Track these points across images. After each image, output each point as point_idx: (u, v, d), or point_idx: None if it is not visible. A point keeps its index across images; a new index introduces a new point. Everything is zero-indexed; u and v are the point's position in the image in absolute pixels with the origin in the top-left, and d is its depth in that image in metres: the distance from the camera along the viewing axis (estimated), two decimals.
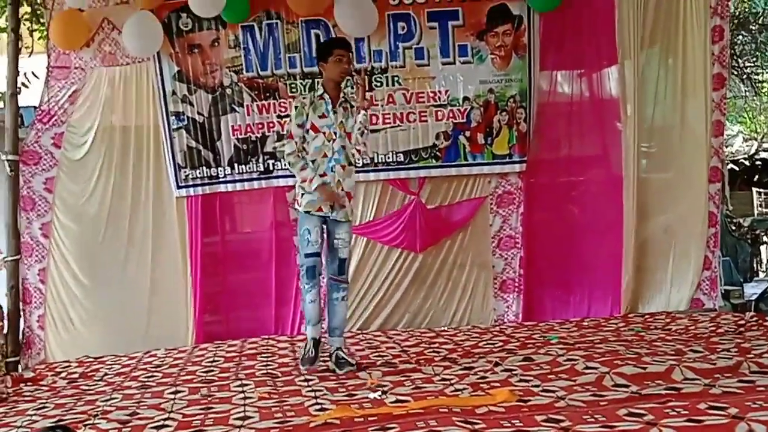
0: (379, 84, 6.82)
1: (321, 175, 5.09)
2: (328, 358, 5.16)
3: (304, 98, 5.29)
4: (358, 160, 5.58)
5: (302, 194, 5.20)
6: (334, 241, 5.19)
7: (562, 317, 6.65)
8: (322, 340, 5.26)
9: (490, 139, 6.89)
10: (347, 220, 5.22)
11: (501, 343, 5.68)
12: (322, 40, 6.56)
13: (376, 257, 6.83)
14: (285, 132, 5.61)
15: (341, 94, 5.26)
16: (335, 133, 5.14)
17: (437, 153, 6.86)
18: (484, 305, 6.94)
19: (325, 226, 5.21)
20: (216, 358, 5.85)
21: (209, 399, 4.48)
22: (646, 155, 6.92)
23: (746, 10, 12.97)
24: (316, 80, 6.54)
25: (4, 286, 6.67)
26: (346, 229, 5.22)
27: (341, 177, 5.16)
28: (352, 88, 5.57)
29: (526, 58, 6.85)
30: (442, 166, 6.85)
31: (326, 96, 5.20)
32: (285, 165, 6.70)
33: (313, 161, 5.13)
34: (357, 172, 5.48)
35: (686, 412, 3.44)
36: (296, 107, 5.21)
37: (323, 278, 5.35)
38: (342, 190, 5.16)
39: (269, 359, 5.67)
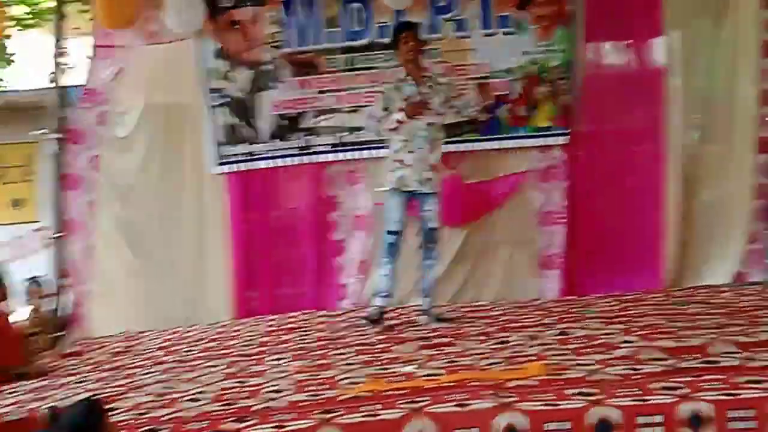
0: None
1: (410, 151, 5.41)
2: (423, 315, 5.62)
3: (390, 83, 5.58)
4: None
5: (393, 170, 5.50)
6: (423, 213, 5.49)
7: (604, 292, 6.54)
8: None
9: (532, 112, 6.79)
10: (433, 192, 5.49)
11: (539, 317, 5.63)
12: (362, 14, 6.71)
13: (416, 232, 6.79)
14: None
15: (422, 73, 5.53)
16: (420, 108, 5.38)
17: (478, 126, 6.78)
18: (526, 282, 6.86)
19: (412, 201, 5.51)
20: (255, 333, 5.90)
21: (246, 371, 4.52)
22: (692, 126, 6.74)
23: None
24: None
25: (51, 262, 6.81)
26: (435, 201, 5.51)
27: (428, 153, 5.44)
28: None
29: (570, 28, 6.72)
30: (482, 139, 6.78)
31: (408, 78, 5.49)
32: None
33: (405, 141, 5.42)
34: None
35: (723, 385, 3.36)
36: (383, 92, 5.57)
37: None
38: (428, 164, 5.44)
39: (306, 334, 5.70)
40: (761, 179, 6.66)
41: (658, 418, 3.14)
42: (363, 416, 3.28)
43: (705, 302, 5.80)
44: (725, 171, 6.69)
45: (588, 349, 4.39)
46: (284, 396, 3.82)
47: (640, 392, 3.35)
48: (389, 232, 5.50)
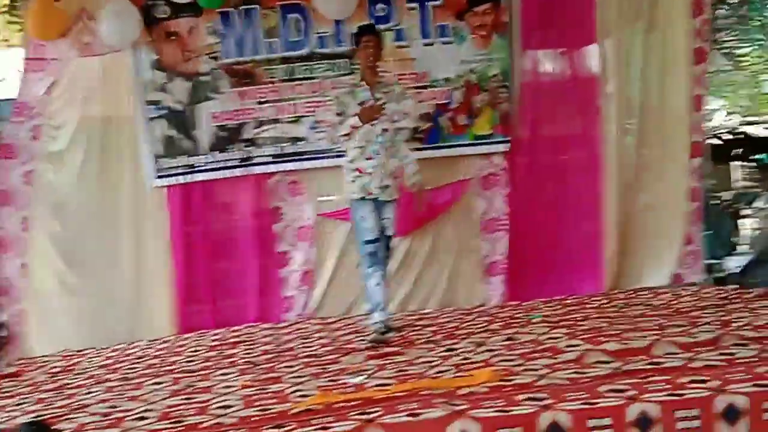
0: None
1: (367, 158, 5.38)
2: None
3: (343, 87, 5.57)
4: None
5: (353, 180, 5.45)
6: (382, 220, 5.47)
7: (547, 296, 6.63)
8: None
9: (472, 120, 6.85)
10: (393, 199, 5.50)
11: (484, 324, 5.68)
12: (300, 24, 6.70)
13: None
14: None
15: (377, 78, 5.52)
16: (376, 119, 5.34)
17: (419, 135, 6.82)
18: (471, 289, 6.91)
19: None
20: (198, 348, 5.83)
21: (191, 389, 4.46)
22: (628, 132, 6.88)
23: None
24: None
25: None
26: (391, 208, 5.51)
27: (386, 159, 5.43)
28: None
29: (507, 37, 6.80)
30: (424, 148, 6.80)
31: (363, 83, 5.47)
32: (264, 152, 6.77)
33: (360, 147, 5.38)
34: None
35: (668, 386, 3.44)
36: (336, 97, 5.49)
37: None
38: (386, 171, 5.43)
39: (252, 347, 5.66)
40: (694, 183, 6.83)
41: (607, 421, 3.20)
42: (315, 429, 3.28)
43: (645, 304, 5.93)
44: (661, 175, 6.84)
45: (535, 354, 4.46)
46: (234, 412, 3.78)
47: (589, 396, 3.41)
48: (366, 242, 5.42)
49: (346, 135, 5.39)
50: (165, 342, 6.31)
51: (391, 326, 5.46)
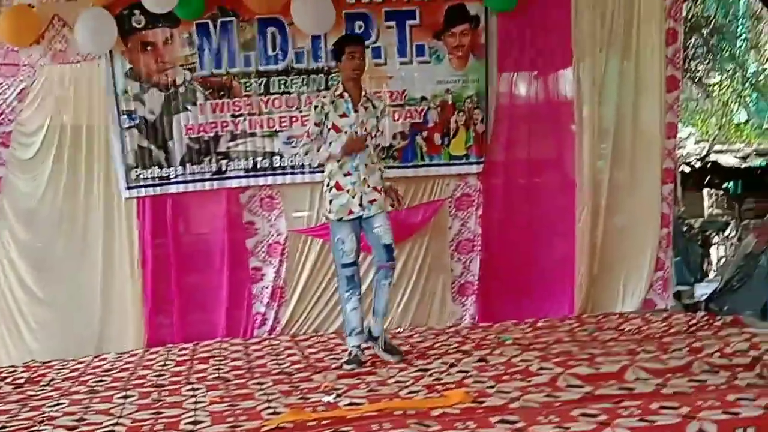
0: (336, 83, 6.72)
1: (345, 175, 5.15)
2: (372, 344, 5.27)
3: (324, 97, 5.34)
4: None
5: (331, 200, 5.22)
6: (375, 230, 5.21)
7: (518, 318, 6.65)
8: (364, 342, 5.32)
9: (447, 140, 6.87)
10: (381, 211, 5.24)
11: (456, 345, 5.67)
12: (277, 39, 6.68)
13: (332, 259, 6.70)
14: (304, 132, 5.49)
15: (362, 93, 5.29)
16: (356, 133, 5.16)
17: (394, 153, 6.82)
18: (443, 309, 6.91)
19: (361, 226, 5.24)
20: (167, 362, 5.76)
21: (160, 403, 4.40)
22: (600, 156, 6.93)
23: (698, 13, 13.18)
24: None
25: None
26: (383, 218, 5.23)
27: (366, 175, 5.18)
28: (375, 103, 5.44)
29: (484, 58, 6.85)
30: (399, 167, 6.80)
31: (346, 95, 5.22)
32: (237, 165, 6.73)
33: (338, 161, 5.16)
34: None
35: (639, 411, 3.46)
36: (315, 106, 5.25)
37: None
38: (369, 186, 5.18)
39: (222, 362, 5.60)
40: (665, 209, 6.90)
41: None
42: None
43: (616, 329, 5.96)
44: (632, 200, 6.90)
45: (507, 376, 4.46)
46: (203, 428, 3.75)
47: (561, 419, 3.41)
48: (344, 265, 5.21)
49: (328, 158, 5.21)
50: (133, 355, 6.22)
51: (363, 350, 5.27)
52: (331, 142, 5.19)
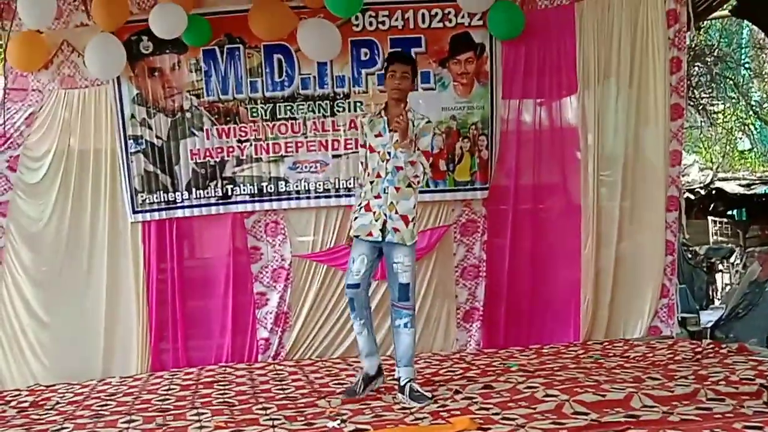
0: (341, 109, 6.80)
1: (375, 197, 4.93)
2: (399, 391, 4.86)
3: (364, 116, 5.26)
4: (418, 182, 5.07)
5: (355, 216, 5.07)
6: (393, 265, 4.92)
7: (523, 345, 6.64)
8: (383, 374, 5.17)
9: (452, 166, 6.89)
10: (404, 243, 4.90)
11: (461, 371, 5.66)
12: (283, 65, 6.74)
13: (337, 284, 6.68)
14: None
15: (402, 113, 4.93)
16: (389, 153, 4.92)
17: None
18: (447, 335, 6.89)
19: (381, 252, 4.98)
20: (172, 387, 5.75)
21: (164, 428, 4.39)
22: (605, 184, 6.93)
23: (702, 42, 13.26)
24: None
25: None
26: (405, 253, 4.90)
27: (395, 199, 4.90)
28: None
29: (489, 85, 6.87)
30: None
31: (384, 113, 5.04)
32: (243, 190, 6.76)
33: (371, 182, 4.98)
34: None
35: None
36: (361, 126, 5.17)
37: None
38: (396, 213, 4.90)
39: (226, 387, 5.59)
40: (670, 236, 6.89)
41: None
42: None
43: (621, 356, 5.95)
44: (637, 228, 6.89)
45: (512, 404, 4.45)
46: None
47: None
48: (347, 285, 5.01)
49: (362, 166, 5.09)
50: (138, 379, 6.22)
51: (372, 374, 5.05)
52: (371, 181, 4.99)
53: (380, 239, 4.90)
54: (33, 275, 6.62)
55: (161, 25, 6.32)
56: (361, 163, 5.15)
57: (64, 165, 6.70)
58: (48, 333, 6.58)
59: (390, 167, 4.92)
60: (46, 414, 5.11)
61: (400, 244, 4.90)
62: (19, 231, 6.63)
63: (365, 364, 5.07)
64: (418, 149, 4.92)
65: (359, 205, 5.07)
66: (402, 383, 4.84)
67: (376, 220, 4.92)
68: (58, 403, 5.47)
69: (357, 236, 4.98)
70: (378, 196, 4.94)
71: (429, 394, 4.79)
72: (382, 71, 5.20)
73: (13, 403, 5.55)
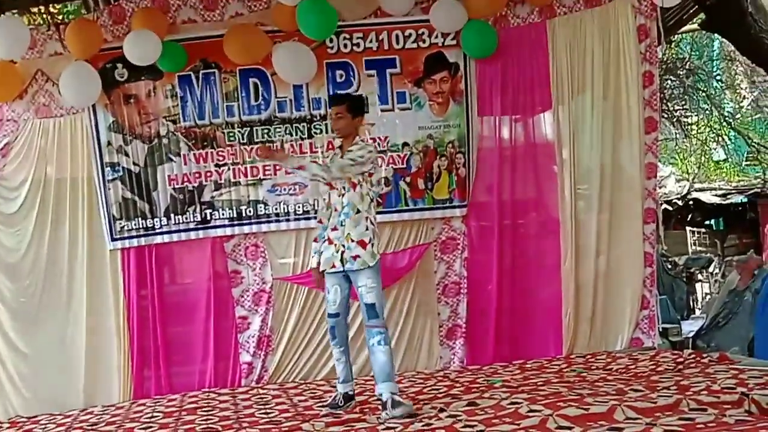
0: (318, 131, 6.83)
1: (333, 229, 5.17)
2: (381, 409, 4.86)
3: (330, 158, 5.34)
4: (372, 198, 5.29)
5: (321, 251, 5.27)
6: (358, 288, 5.11)
7: (506, 360, 6.65)
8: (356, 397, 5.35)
9: (431, 184, 6.92)
10: (366, 266, 5.08)
11: (445, 389, 5.66)
12: (259, 89, 6.76)
13: (319, 306, 6.64)
14: None
15: (347, 147, 5.22)
16: (344, 188, 5.16)
17: (378, 199, 6.83)
18: (431, 353, 6.89)
19: (348, 280, 5.18)
20: (155, 414, 5.71)
21: None
22: (582, 198, 6.97)
23: (674, 55, 13.40)
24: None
25: None
26: (368, 275, 5.07)
27: (350, 229, 5.10)
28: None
29: (464, 104, 6.92)
30: (383, 212, 6.82)
31: (339, 151, 5.28)
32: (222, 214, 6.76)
33: (329, 216, 5.24)
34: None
35: None
36: (326, 165, 5.26)
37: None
38: (352, 241, 5.08)
39: (210, 413, 5.55)
40: (648, 248, 6.94)
41: None
42: None
43: (603, 368, 5.97)
44: (615, 240, 6.91)
45: (496, 420, 4.44)
46: None
47: None
48: (328, 315, 5.29)
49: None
50: (120, 407, 6.18)
51: (350, 394, 5.31)
52: (329, 217, 5.26)
53: (342, 269, 5.12)
54: (11, 305, 6.58)
55: (136, 52, 6.33)
56: (324, 199, 5.39)
57: (41, 194, 6.67)
58: (28, 363, 6.51)
59: (345, 200, 5.15)
60: None
61: (361, 269, 5.08)
62: None
63: (340, 388, 5.31)
64: (370, 175, 5.25)
65: (322, 238, 5.29)
66: (384, 399, 4.86)
67: (337, 252, 5.13)
68: None
69: (324, 271, 5.22)
70: (335, 228, 5.17)
71: (409, 402, 4.95)
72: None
73: None
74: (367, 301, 5.07)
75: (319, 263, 5.26)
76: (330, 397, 5.45)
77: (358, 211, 5.15)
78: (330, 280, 5.21)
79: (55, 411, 6.19)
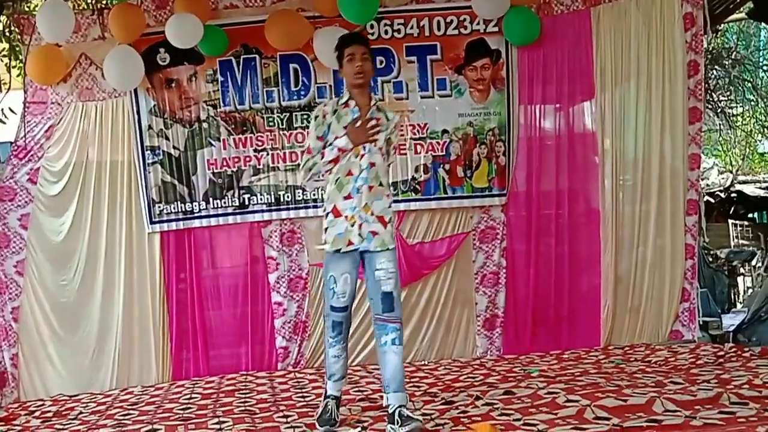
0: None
1: (345, 197, 4.31)
2: (388, 422, 4.20)
3: (324, 105, 4.51)
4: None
5: (327, 225, 4.40)
6: (375, 272, 4.29)
7: (544, 350, 6.61)
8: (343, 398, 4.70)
9: (470, 172, 6.88)
10: (386, 248, 4.33)
11: (482, 377, 5.64)
12: (299, 74, 6.74)
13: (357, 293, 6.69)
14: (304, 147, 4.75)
15: (371, 102, 4.49)
16: (364, 147, 4.34)
17: (416, 186, 6.83)
18: (468, 342, 6.88)
19: (361, 263, 4.39)
20: (193, 395, 5.78)
21: None
22: (623, 188, 6.90)
23: (720, 45, 13.18)
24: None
25: None
26: (387, 258, 4.30)
27: (369, 200, 4.31)
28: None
29: (505, 91, 6.87)
30: (421, 200, 6.83)
31: (352, 103, 4.44)
32: (260, 199, 6.77)
33: (336, 180, 4.36)
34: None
35: None
36: (315, 117, 4.45)
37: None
38: (372, 215, 4.32)
39: (247, 396, 5.60)
40: (690, 240, 6.85)
41: None
42: None
43: (642, 360, 5.91)
44: (657, 232, 6.82)
45: (533, 409, 4.42)
46: None
47: None
48: (333, 309, 4.35)
49: (332, 161, 4.34)
50: (159, 388, 6.26)
51: (339, 397, 4.53)
52: (336, 180, 4.39)
53: (359, 247, 4.32)
54: (53, 287, 6.66)
55: (178, 34, 6.37)
56: (313, 156, 4.42)
57: (82, 177, 6.74)
58: (69, 344, 6.61)
59: (364, 163, 4.34)
60: (69, 424, 5.15)
61: (380, 251, 4.32)
62: (39, 243, 6.66)
63: (331, 388, 4.48)
64: (393, 147, 4.62)
65: (325, 211, 4.44)
66: (391, 410, 4.18)
67: (352, 225, 4.32)
68: (81, 413, 5.51)
69: (338, 250, 4.34)
70: (348, 197, 4.33)
71: (419, 417, 4.23)
72: (337, 58, 4.52)
73: (36, 414, 5.60)
74: (385, 288, 4.28)
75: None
76: (321, 402, 4.54)
77: (381, 185, 4.41)
78: (340, 266, 4.32)
79: (95, 390, 6.27)
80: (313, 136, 4.45)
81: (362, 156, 4.35)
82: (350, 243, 4.30)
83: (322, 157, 4.35)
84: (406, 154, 6.81)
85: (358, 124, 4.32)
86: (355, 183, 4.32)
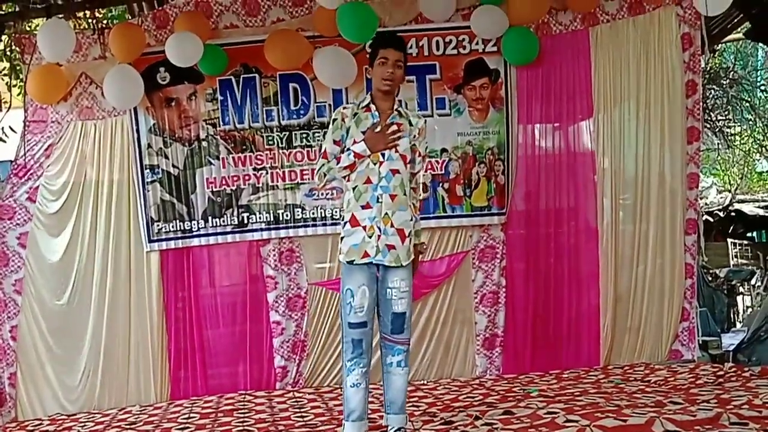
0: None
1: (363, 207, 4.12)
2: None
3: (344, 108, 4.32)
4: (417, 195, 4.52)
5: (344, 235, 4.20)
6: (387, 290, 4.13)
7: (543, 369, 6.60)
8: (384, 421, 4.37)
9: (469, 191, 6.88)
10: (400, 265, 4.14)
11: (481, 396, 5.62)
12: (299, 94, 6.76)
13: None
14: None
15: (393, 106, 4.31)
16: (383, 154, 4.16)
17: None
18: (467, 361, 6.86)
19: (377, 277, 4.18)
20: (192, 415, 5.75)
21: None
22: (622, 207, 6.90)
23: (717, 65, 13.26)
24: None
25: None
26: (402, 276, 4.12)
27: (390, 210, 4.12)
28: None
29: (504, 111, 6.88)
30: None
31: (373, 107, 4.26)
32: (259, 218, 6.77)
33: (354, 188, 4.19)
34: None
35: None
36: (334, 120, 4.28)
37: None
38: (391, 226, 4.12)
39: (246, 415, 5.58)
40: (689, 259, 6.85)
41: None
42: None
43: (642, 380, 5.89)
44: (656, 251, 6.83)
45: (532, 429, 4.41)
46: None
47: None
48: (351, 325, 4.09)
49: (348, 167, 4.17)
50: (157, 408, 6.24)
51: None
52: (353, 188, 4.21)
53: (374, 260, 4.12)
54: (50, 306, 6.64)
55: (177, 53, 6.38)
56: (327, 161, 4.28)
57: (81, 195, 6.73)
58: (66, 363, 6.59)
59: (384, 171, 4.17)
60: None
61: (395, 267, 4.14)
62: (37, 262, 6.65)
63: (350, 430, 4.16)
64: (420, 155, 4.38)
65: (343, 220, 4.26)
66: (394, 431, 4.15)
67: (370, 237, 4.12)
68: None
69: (351, 261, 4.15)
70: (367, 206, 4.14)
71: None
72: (369, 55, 4.34)
73: None
74: (397, 309, 4.15)
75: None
76: None
77: (405, 194, 4.22)
78: (356, 278, 4.10)
79: (93, 410, 6.25)
80: (329, 140, 4.29)
81: (381, 163, 4.18)
82: (366, 255, 4.11)
83: (338, 163, 4.20)
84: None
85: (378, 129, 4.19)
86: (375, 192, 4.15)
